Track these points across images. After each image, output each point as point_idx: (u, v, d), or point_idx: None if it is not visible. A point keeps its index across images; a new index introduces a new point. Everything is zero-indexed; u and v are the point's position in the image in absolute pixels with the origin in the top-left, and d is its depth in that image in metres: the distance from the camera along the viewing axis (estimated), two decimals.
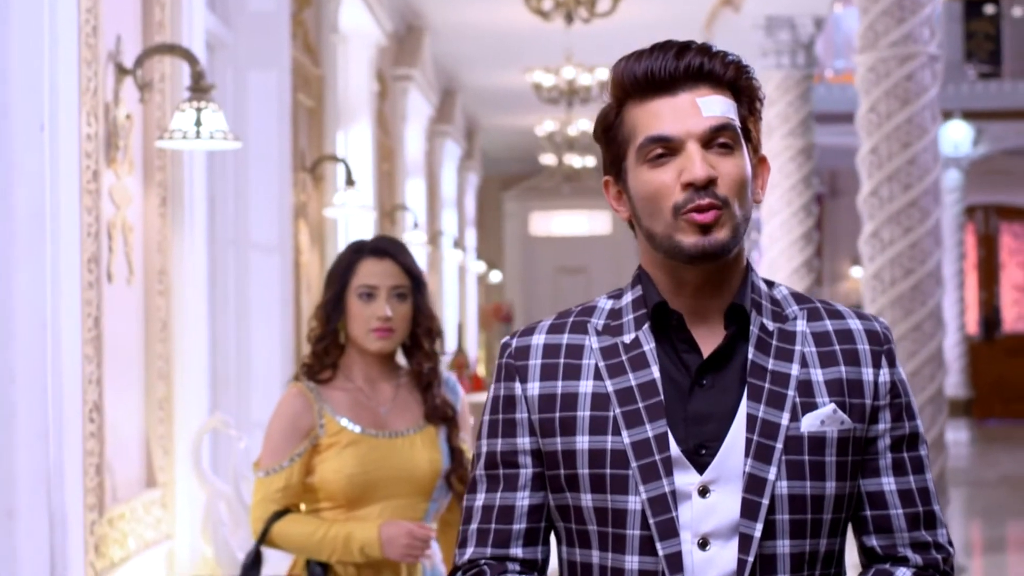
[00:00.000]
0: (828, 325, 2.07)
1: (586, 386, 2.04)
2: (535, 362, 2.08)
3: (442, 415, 3.63)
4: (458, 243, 15.34)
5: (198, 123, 4.14)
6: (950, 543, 2.09)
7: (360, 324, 3.56)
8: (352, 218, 7.57)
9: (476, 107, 16.20)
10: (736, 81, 2.03)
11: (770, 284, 2.12)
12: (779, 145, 9.80)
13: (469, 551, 2.09)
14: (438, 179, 14.41)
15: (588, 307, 2.13)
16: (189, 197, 4.84)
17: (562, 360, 2.07)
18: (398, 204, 10.49)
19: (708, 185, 1.97)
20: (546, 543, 2.11)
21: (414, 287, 3.61)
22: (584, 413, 2.03)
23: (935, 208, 6.57)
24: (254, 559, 3.52)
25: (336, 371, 3.62)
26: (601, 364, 2.05)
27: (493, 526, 2.08)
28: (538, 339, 2.10)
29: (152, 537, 4.49)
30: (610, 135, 2.08)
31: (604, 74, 12.58)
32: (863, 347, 2.06)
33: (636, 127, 2.03)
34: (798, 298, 2.11)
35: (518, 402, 2.08)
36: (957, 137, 17.70)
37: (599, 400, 2.03)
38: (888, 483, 2.06)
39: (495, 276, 20.33)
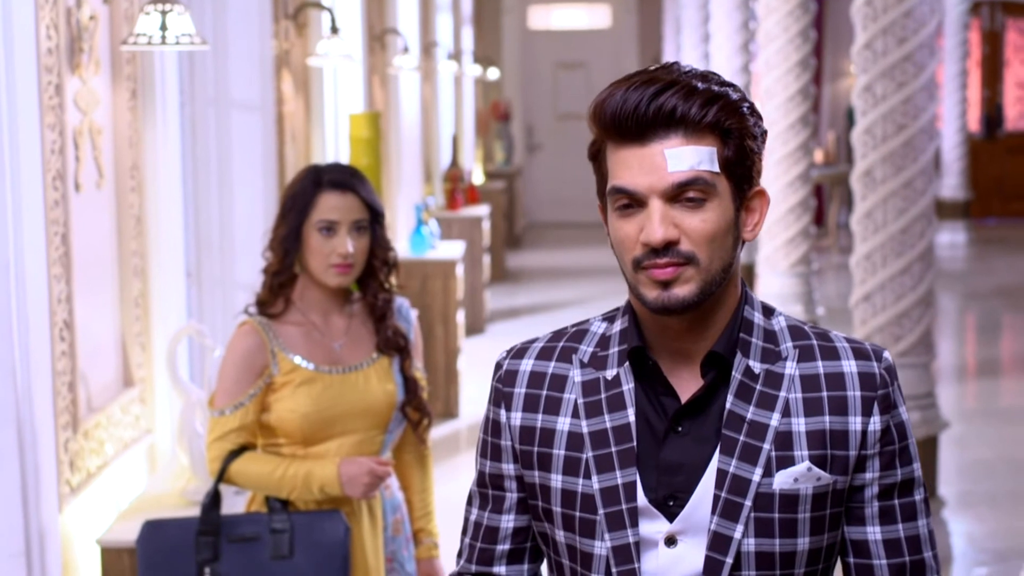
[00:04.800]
0: (820, 367, 1.99)
1: (564, 423, 2.03)
2: (520, 391, 2.07)
3: (395, 345, 3.61)
4: (453, 56, 15.07)
5: (163, 27, 4.01)
6: None
7: (320, 259, 3.51)
8: (338, 67, 7.41)
9: None
10: (721, 123, 1.92)
11: (769, 313, 2.04)
12: None
13: (460, 563, 2.16)
14: None
15: (581, 330, 2.10)
16: (161, 85, 4.72)
17: (544, 392, 2.06)
18: (388, 28, 10.27)
19: (669, 245, 1.90)
20: (533, 560, 2.13)
21: (372, 219, 3.56)
22: (560, 452, 2.02)
23: (930, 62, 6.41)
24: (213, 499, 3.51)
25: (289, 304, 3.57)
26: (580, 401, 2.03)
27: (479, 544, 2.13)
28: (527, 365, 2.08)
29: (131, 436, 4.49)
30: (595, 164, 2.00)
31: None
32: (853, 394, 1.98)
33: (609, 170, 1.96)
34: (795, 332, 2.03)
35: (503, 429, 2.09)
36: None
37: (574, 440, 2.01)
38: (873, 532, 2.01)
39: (493, 74, 20.00)
